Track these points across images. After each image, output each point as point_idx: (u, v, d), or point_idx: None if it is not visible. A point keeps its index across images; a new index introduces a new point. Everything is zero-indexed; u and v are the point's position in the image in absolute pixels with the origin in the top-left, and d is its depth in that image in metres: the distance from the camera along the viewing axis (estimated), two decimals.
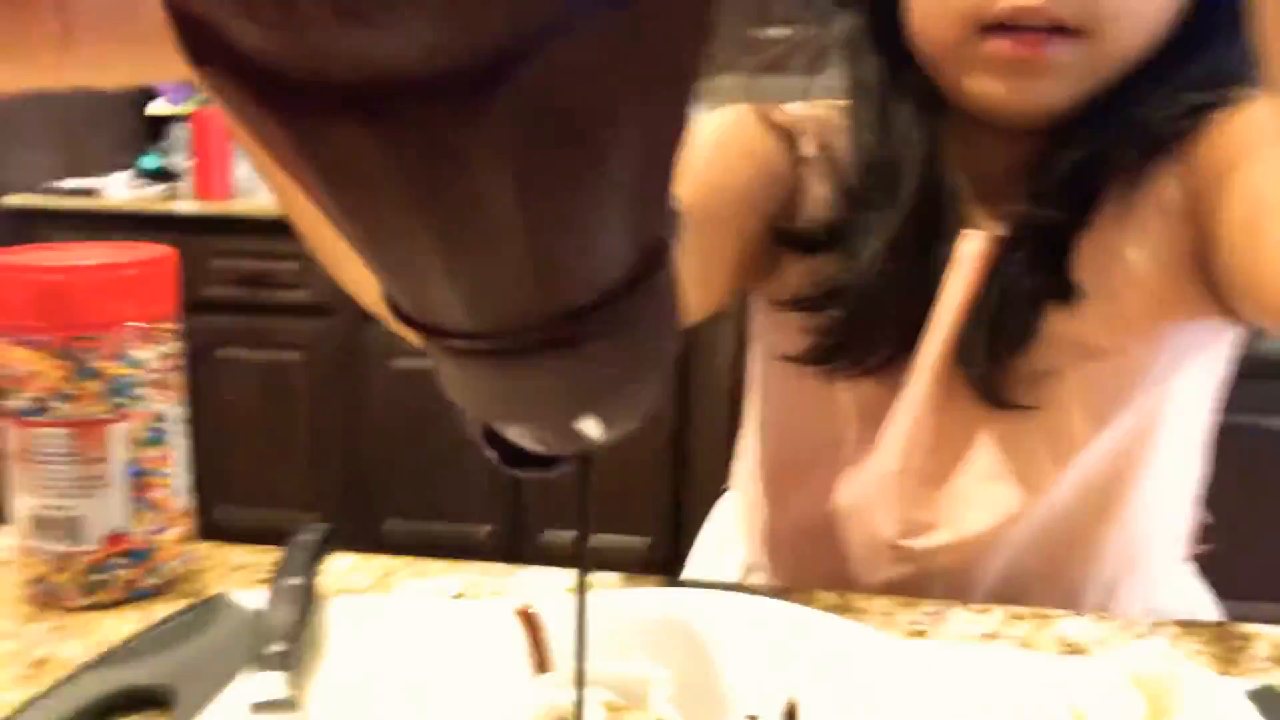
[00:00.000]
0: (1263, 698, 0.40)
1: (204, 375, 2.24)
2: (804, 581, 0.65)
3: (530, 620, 0.36)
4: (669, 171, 0.16)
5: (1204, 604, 0.65)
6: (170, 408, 0.52)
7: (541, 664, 0.34)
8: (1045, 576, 0.59)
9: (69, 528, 0.50)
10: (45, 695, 0.41)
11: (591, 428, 0.19)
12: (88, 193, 2.25)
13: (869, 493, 0.59)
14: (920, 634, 0.48)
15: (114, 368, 0.49)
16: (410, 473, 2.10)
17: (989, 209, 0.57)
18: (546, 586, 0.54)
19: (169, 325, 0.52)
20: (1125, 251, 0.55)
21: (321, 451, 2.25)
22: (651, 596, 0.37)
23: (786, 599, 0.59)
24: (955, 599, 0.60)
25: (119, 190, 2.28)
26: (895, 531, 0.59)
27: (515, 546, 2.04)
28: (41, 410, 0.49)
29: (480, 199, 0.14)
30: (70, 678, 0.42)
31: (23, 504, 0.51)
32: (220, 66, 0.13)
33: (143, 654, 0.45)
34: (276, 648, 0.42)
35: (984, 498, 0.58)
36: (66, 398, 0.49)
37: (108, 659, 0.44)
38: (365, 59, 0.12)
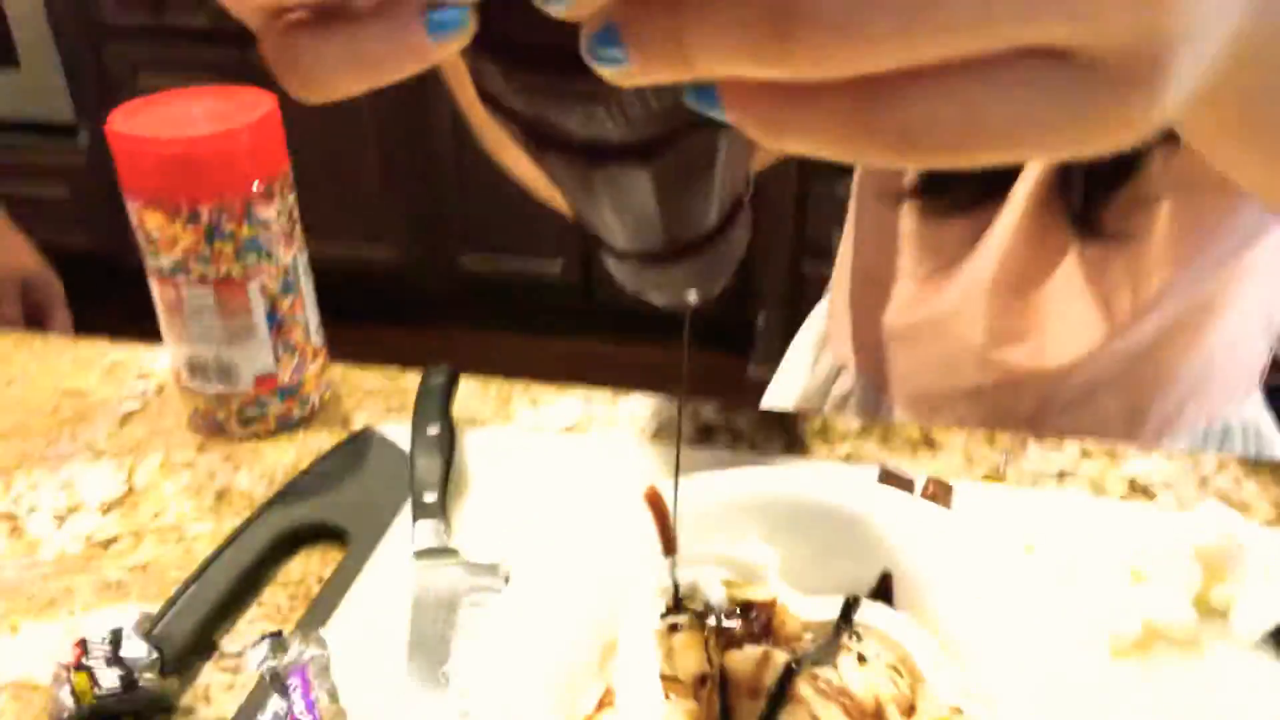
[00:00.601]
0: None
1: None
2: (889, 383, 0.70)
3: (656, 503, 0.40)
4: (746, 167, 0.26)
5: (1270, 435, 0.68)
6: (296, 257, 0.55)
7: (668, 545, 0.40)
8: (1119, 397, 0.62)
9: (222, 373, 0.55)
10: (237, 533, 0.48)
11: (693, 296, 0.29)
12: None
13: (958, 302, 0.62)
14: (998, 478, 0.53)
15: (243, 230, 0.52)
16: (483, 206, 2.13)
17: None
18: (652, 417, 0.59)
19: (284, 179, 0.54)
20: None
21: (392, 185, 2.28)
22: (759, 476, 0.42)
23: (873, 415, 0.64)
24: (1032, 421, 0.64)
25: None
26: (982, 340, 0.62)
27: (587, 284, 2.10)
28: (184, 270, 0.52)
29: (642, 195, 0.23)
30: (257, 515, 0.49)
31: (177, 350, 0.56)
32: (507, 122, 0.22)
33: (314, 491, 0.51)
34: (429, 497, 0.49)
35: (1066, 323, 0.60)
36: (204, 259, 0.52)
37: (285, 496, 0.51)
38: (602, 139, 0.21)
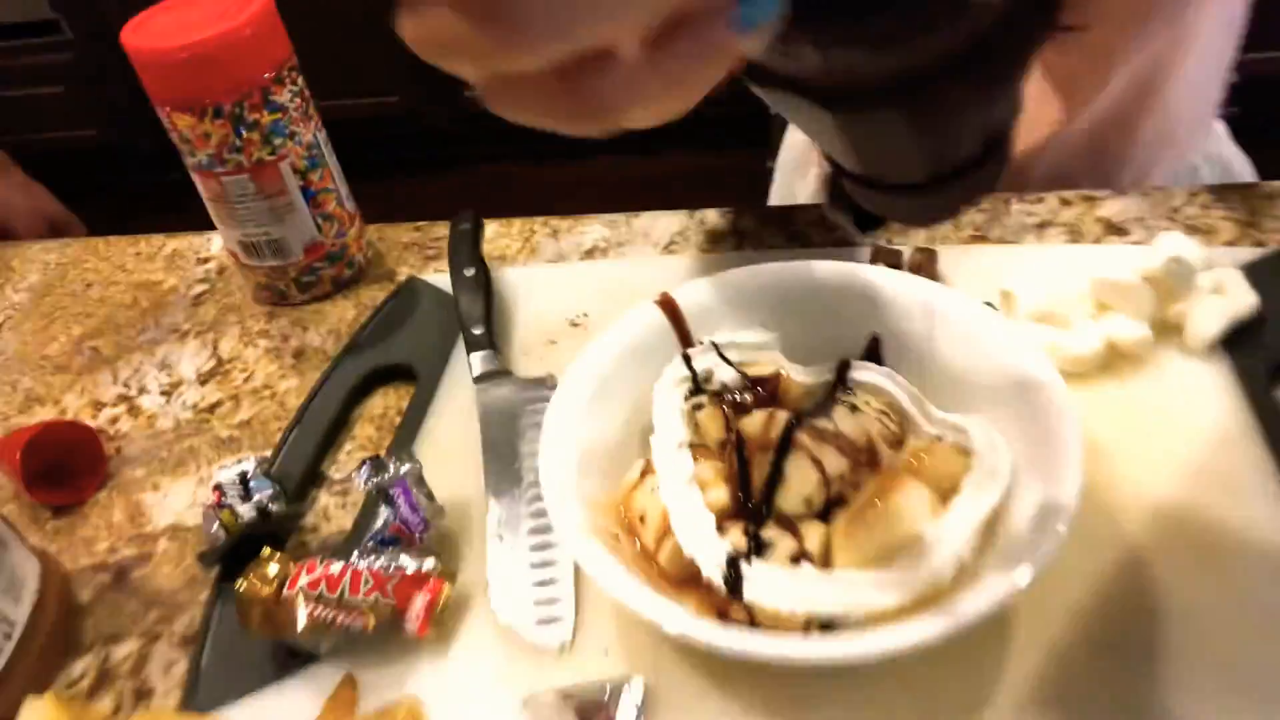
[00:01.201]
0: (1254, 270, 0.49)
1: None
2: None
3: (669, 305, 0.46)
4: (1011, 99, 0.29)
5: (1239, 166, 0.70)
6: (316, 134, 0.60)
7: (685, 339, 0.46)
8: (1088, 163, 0.65)
9: (274, 248, 0.61)
10: (321, 383, 0.56)
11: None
12: None
13: None
14: (982, 238, 0.58)
15: (264, 117, 0.56)
16: None
17: None
18: (664, 231, 0.64)
19: (291, 64, 0.58)
20: None
21: (391, 37, 2.23)
22: (756, 271, 0.47)
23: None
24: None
25: None
26: None
27: None
28: (220, 162, 0.58)
29: (904, 133, 0.27)
30: (333, 367, 0.57)
31: (229, 234, 0.62)
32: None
33: (378, 338, 0.58)
34: (478, 330, 0.55)
35: (1029, 112, 0.63)
36: (236, 149, 0.57)
37: (354, 347, 0.58)
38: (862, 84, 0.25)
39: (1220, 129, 0.71)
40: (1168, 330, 0.48)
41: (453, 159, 2.42)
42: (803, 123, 0.29)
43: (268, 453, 0.53)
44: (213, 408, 0.58)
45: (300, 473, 0.51)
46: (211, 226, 0.64)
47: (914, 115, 0.25)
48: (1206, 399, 0.46)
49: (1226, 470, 0.42)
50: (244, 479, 0.47)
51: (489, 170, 2.28)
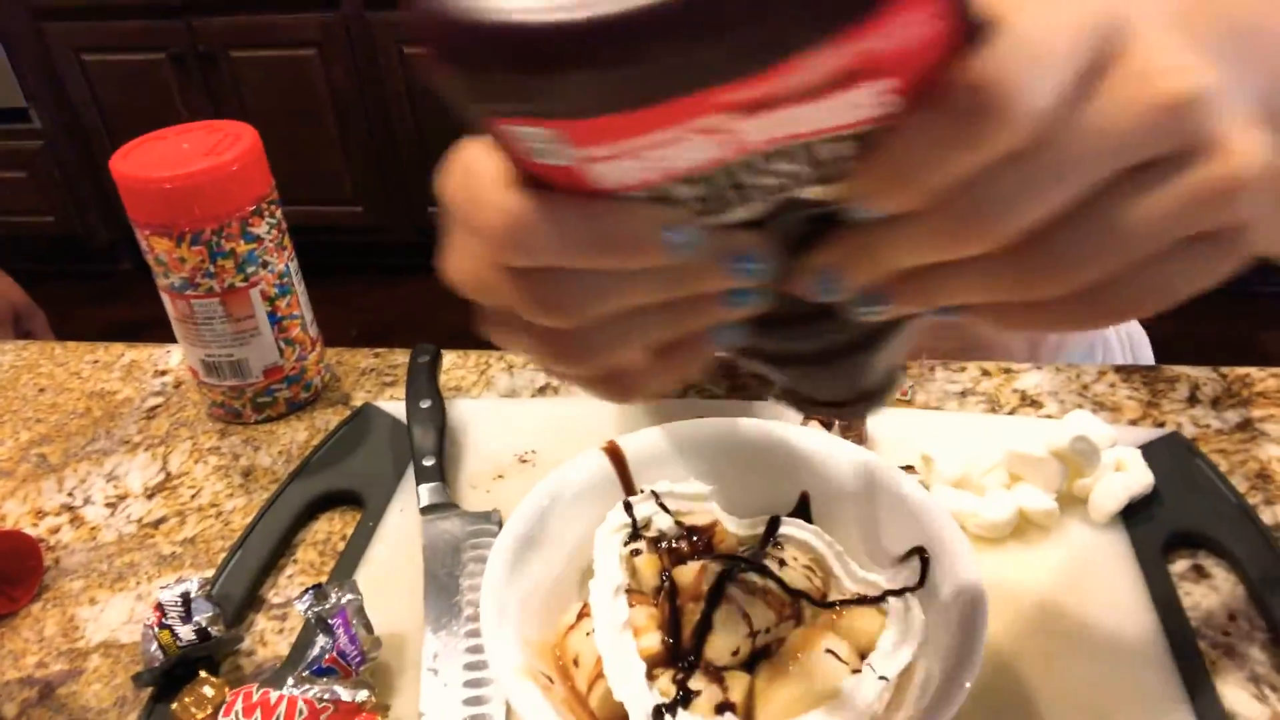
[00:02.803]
0: (1152, 449, 0.54)
1: (224, 79, 2.25)
2: None
3: (615, 453, 0.49)
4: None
5: (1140, 335, 0.77)
6: (288, 263, 0.63)
7: (628, 486, 0.49)
8: (1019, 336, 0.71)
9: (235, 369, 0.63)
10: (268, 505, 0.57)
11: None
12: None
13: None
14: (907, 402, 0.62)
15: (241, 246, 0.59)
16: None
17: None
18: None
19: (271, 198, 0.61)
20: None
21: (353, 144, 2.30)
22: (698, 426, 0.50)
23: None
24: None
25: None
26: None
27: None
28: (193, 285, 0.60)
29: (847, 371, 0.31)
30: (281, 489, 0.58)
31: (191, 352, 0.64)
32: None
33: (328, 463, 0.60)
34: (429, 462, 0.57)
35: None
36: (209, 274, 0.60)
37: (303, 470, 0.59)
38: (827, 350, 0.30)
39: None
40: (1073, 501, 0.52)
41: (414, 268, 2.46)
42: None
43: (209, 572, 0.53)
44: (157, 523, 0.59)
45: (240, 595, 0.51)
46: (168, 333, 0.65)
47: (836, 372, 0.31)
48: (1106, 568, 0.49)
49: (1121, 636, 0.45)
50: (186, 599, 0.48)
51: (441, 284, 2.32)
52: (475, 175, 0.24)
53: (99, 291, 2.53)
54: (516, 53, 0.17)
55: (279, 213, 0.62)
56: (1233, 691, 0.43)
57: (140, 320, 1.85)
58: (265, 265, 0.61)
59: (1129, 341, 0.76)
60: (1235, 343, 1.82)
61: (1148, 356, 0.78)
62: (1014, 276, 0.22)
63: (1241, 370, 0.63)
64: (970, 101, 0.19)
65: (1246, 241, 0.23)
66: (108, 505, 0.60)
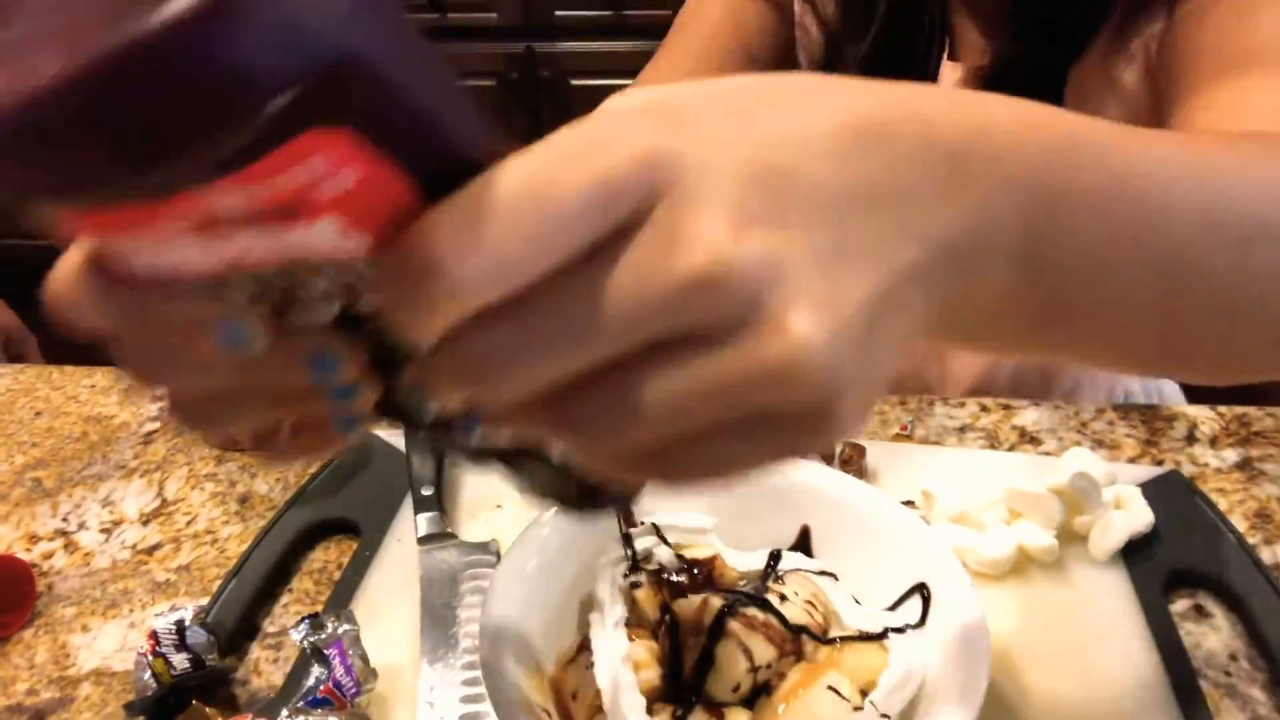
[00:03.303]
0: (1151, 488, 0.54)
1: None
2: None
3: None
4: None
5: (1170, 390, 0.75)
6: None
7: (629, 520, 0.49)
8: (1024, 377, 0.71)
9: None
10: (264, 533, 0.57)
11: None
12: None
13: None
14: (906, 437, 0.62)
15: None
16: None
17: (972, 36, 0.60)
18: None
19: None
20: (1118, 76, 0.55)
21: None
22: None
23: None
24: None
25: None
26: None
27: None
28: None
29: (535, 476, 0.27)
30: (278, 517, 0.58)
31: None
32: None
33: (326, 491, 0.60)
34: (427, 491, 0.57)
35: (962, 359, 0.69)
36: None
37: (301, 499, 0.59)
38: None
39: None
40: (1073, 538, 0.52)
41: None
42: None
43: (203, 600, 0.53)
44: (152, 549, 0.58)
45: (235, 623, 0.51)
46: None
47: (524, 475, 0.28)
48: (1106, 605, 0.49)
49: (1123, 676, 0.45)
50: (180, 627, 0.47)
51: None
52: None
53: None
54: None
55: None
56: None
57: None
58: None
59: (1155, 390, 0.75)
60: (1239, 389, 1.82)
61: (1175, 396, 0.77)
62: (554, 426, 0.21)
63: (1239, 409, 0.63)
64: (402, 267, 0.18)
65: (828, 425, 0.20)
66: (102, 531, 0.60)
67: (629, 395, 0.20)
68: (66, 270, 0.21)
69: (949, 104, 0.23)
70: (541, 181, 0.18)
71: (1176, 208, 0.26)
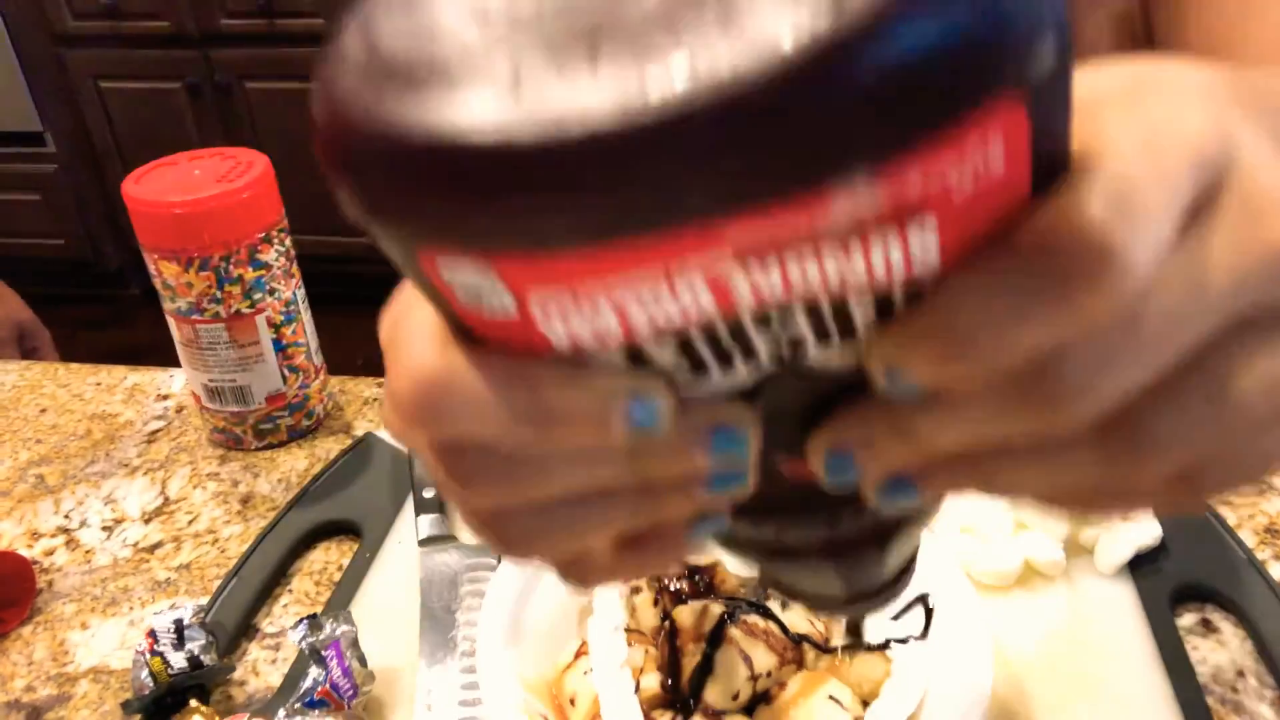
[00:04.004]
0: None
1: (238, 109, 2.28)
2: None
3: None
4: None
5: None
6: (295, 291, 0.63)
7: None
8: None
9: (238, 394, 0.63)
10: (265, 533, 0.56)
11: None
12: None
13: None
14: None
15: (248, 273, 0.59)
16: None
17: None
18: None
19: (281, 226, 0.61)
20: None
21: None
22: None
23: None
24: None
25: None
26: None
27: None
28: (198, 310, 0.60)
29: (857, 569, 0.25)
30: (279, 517, 0.58)
31: (195, 377, 0.63)
32: None
33: (328, 492, 0.59)
34: (429, 493, 0.57)
35: None
36: (216, 300, 0.60)
37: (302, 499, 0.59)
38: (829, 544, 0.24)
39: None
40: (1080, 551, 0.51)
41: None
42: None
43: (203, 599, 0.53)
44: (153, 548, 0.58)
45: (234, 623, 0.51)
46: (171, 358, 0.65)
47: (840, 569, 0.25)
48: (1112, 618, 0.48)
49: (1128, 691, 0.45)
50: (179, 626, 0.47)
51: None
52: (400, 325, 0.20)
53: (105, 315, 2.53)
54: (459, 172, 0.13)
55: (288, 240, 0.62)
56: None
57: (144, 345, 1.85)
58: (272, 292, 0.61)
59: None
60: None
61: None
62: (1093, 460, 0.18)
63: None
64: (1053, 262, 0.15)
65: None
66: (104, 529, 0.60)
67: (1208, 391, 0.17)
68: (438, 365, 0.18)
69: None
70: (1153, 151, 0.16)
71: None
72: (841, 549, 0.24)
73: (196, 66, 2.28)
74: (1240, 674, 0.46)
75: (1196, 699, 0.44)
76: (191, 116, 2.31)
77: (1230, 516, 0.54)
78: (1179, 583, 0.50)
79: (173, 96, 2.31)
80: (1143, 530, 0.51)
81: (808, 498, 0.21)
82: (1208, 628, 0.48)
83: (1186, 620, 0.49)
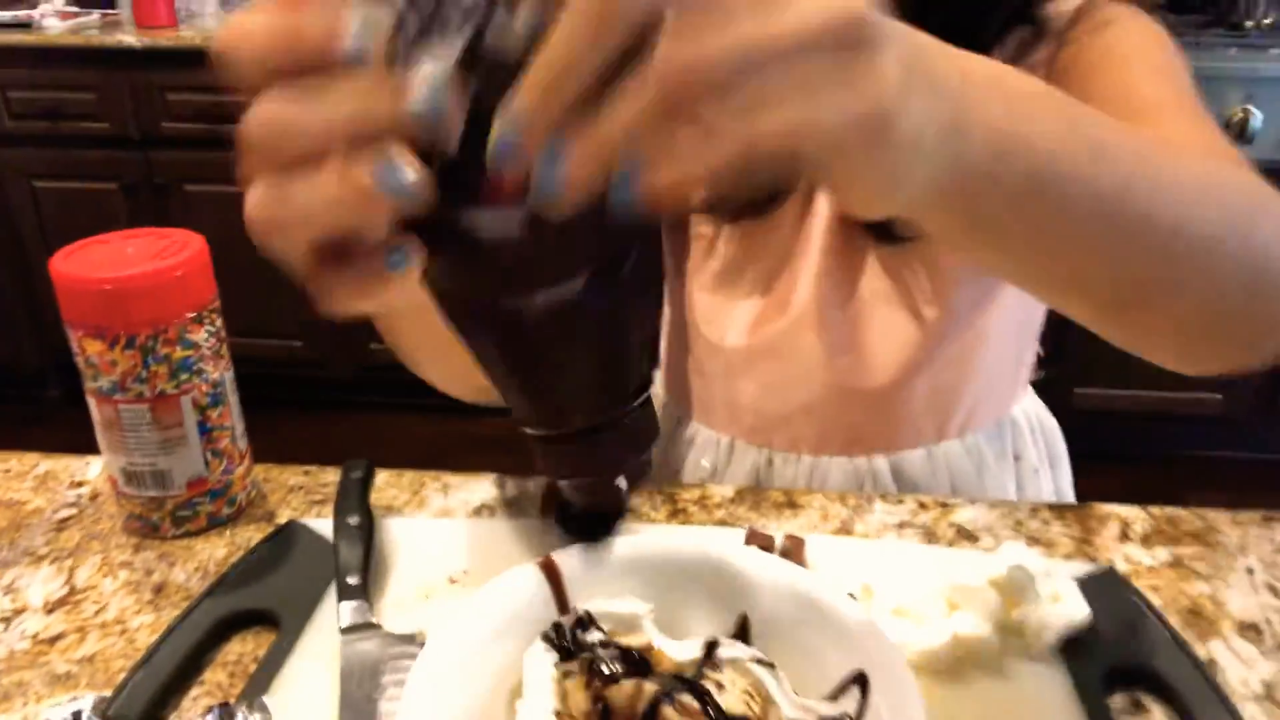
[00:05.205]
0: (1087, 584, 0.54)
1: (175, 211, 2.27)
2: (728, 411, 0.77)
3: (550, 568, 0.48)
4: (643, 350, 0.34)
5: (1049, 422, 0.80)
6: (223, 374, 0.62)
7: (562, 604, 0.47)
8: (928, 410, 0.73)
9: (157, 479, 0.61)
10: (177, 622, 0.54)
11: (621, 482, 0.39)
12: (22, 26, 2.17)
13: (789, 324, 0.71)
14: (847, 531, 0.62)
15: (176, 352, 0.58)
16: None
17: None
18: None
19: (213, 306, 0.60)
20: None
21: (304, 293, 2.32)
22: (635, 542, 0.49)
23: (713, 448, 0.71)
24: (858, 429, 0.73)
25: (53, 21, 2.20)
26: (816, 358, 0.71)
27: None
28: (122, 389, 0.58)
29: (567, 352, 0.32)
30: (193, 606, 0.55)
31: (113, 460, 0.61)
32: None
33: (246, 580, 0.57)
34: (353, 580, 0.55)
35: (885, 334, 0.70)
36: (141, 380, 0.58)
37: (219, 587, 0.56)
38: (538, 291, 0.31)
39: (1031, 393, 0.80)
40: (1011, 632, 0.52)
41: (352, 404, 2.44)
42: (485, 370, 0.35)
43: (105, 692, 0.49)
44: (54, 639, 0.55)
45: (138, 717, 0.47)
46: (93, 450, 0.63)
47: (545, 336, 0.32)
48: (1048, 701, 0.48)
49: None
50: (77, 718, 0.44)
51: (387, 419, 2.29)
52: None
53: (22, 416, 2.44)
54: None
55: (219, 321, 0.61)
56: None
57: (60, 447, 1.78)
58: (200, 373, 0.60)
59: (1036, 420, 0.79)
60: (1165, 500, 1.86)
61: (1061, 453, 0.81)
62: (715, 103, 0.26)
63: (1170, 510, 0.64)
64: None
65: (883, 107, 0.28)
66: (1, 620, 0.56)
67: (773, 76, 0.27)
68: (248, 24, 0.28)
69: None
70: None
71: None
72: (537, 320, 0.30)
73: (134, 168, 2.28)
74: None
75: None
76: (126, 214, 2.29)
77: (1155, 600, 0.55)
78: (1110, 665, 0.50)
79: (108, 197, 2.29)
80: (1072, 610, 0.51)
81: (504, 236, 0.29)
82: (1138, 708, 0.48)
83: (1119, 702, 0.49)
